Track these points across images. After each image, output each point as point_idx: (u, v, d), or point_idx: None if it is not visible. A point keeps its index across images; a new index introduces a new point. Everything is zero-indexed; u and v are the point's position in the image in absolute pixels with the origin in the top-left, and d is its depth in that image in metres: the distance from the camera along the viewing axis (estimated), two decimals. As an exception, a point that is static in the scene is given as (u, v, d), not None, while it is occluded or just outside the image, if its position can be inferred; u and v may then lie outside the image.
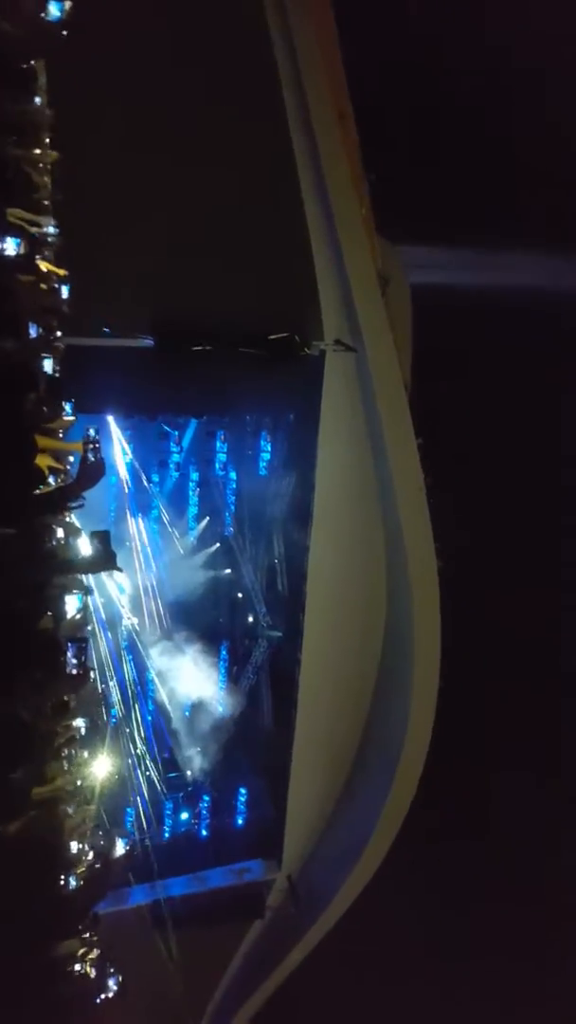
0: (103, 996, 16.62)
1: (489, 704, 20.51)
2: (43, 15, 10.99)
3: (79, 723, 17.71)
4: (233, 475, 20.78)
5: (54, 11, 10.76)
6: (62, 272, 17.14)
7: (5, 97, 12.19)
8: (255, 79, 16.62)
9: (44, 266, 16.90)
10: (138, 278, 17.82)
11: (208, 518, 21.00)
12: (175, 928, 19.60)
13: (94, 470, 13.81)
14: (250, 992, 19.47)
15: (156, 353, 18.22)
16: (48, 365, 16.85)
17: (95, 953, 17.85)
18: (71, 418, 17.10)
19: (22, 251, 13.71)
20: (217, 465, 20.74)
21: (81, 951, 17.42)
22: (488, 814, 20.64)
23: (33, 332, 15.84)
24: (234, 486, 20.81)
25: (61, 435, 16.90)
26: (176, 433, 20.78)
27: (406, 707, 19.08)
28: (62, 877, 17.32)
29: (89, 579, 19.52)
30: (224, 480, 20.84)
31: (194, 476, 20.90)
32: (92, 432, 12.40)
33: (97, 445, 12.65)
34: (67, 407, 17.05)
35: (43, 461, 15.29)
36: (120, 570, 15.30)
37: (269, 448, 20.30)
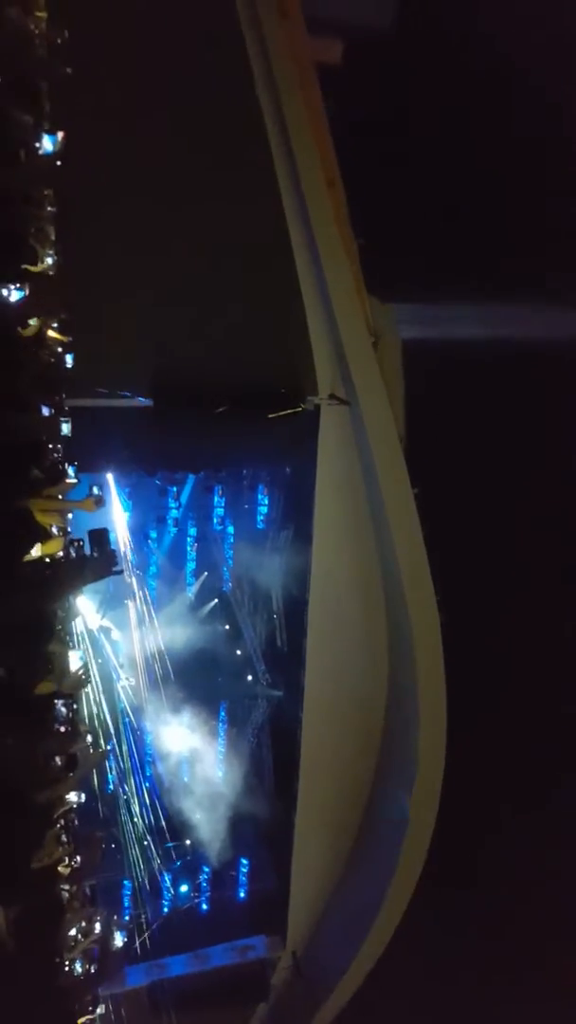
0: None
1: (495, 763, 19.84)
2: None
3: (72, 797, 17.19)
4: (231, 529, 20.78)
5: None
6: (66, 339, 17.64)
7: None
8: (247, 149, 17.45)
9: (51, 335, 17.41)
10: (135, 339, 18.28)
11: (206, 573, 20.88)
12: (175, 1010, 18.44)
13: (102, 564, 13.92)
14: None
15: (154, 412, 18.55)
16: (56, 432, 17.13)
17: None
18: (74, 480, 17.30)
19: (33, 325, 14.19)
20: (215, 520, 20.76)
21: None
22: (500, 874, 19.65)
23: (44, 411, 16.21)
24: (232, 540, 20.79)
25: (61, 497, 17.03)
26: (174, 489, 20.89)
27: (412, 770, 18.47)
28: (62, 961, 16.50)
29: (84, 638, 19.33)
30: (222, 535, 20.83)
31: (192, 531, 20.90)
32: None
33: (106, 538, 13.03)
34: (71, 470, 17.26)
35: (45, 520, 15.34)
36: (121, 572, 15.20)
37: (266, 501, 20.38)
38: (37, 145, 12.43)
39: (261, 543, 20.17)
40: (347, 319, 18.24)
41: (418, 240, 18.26)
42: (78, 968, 17.12)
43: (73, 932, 17.30)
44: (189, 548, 20.78)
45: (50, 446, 15.97)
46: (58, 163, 12.21)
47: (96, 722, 19.57)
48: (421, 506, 17.71)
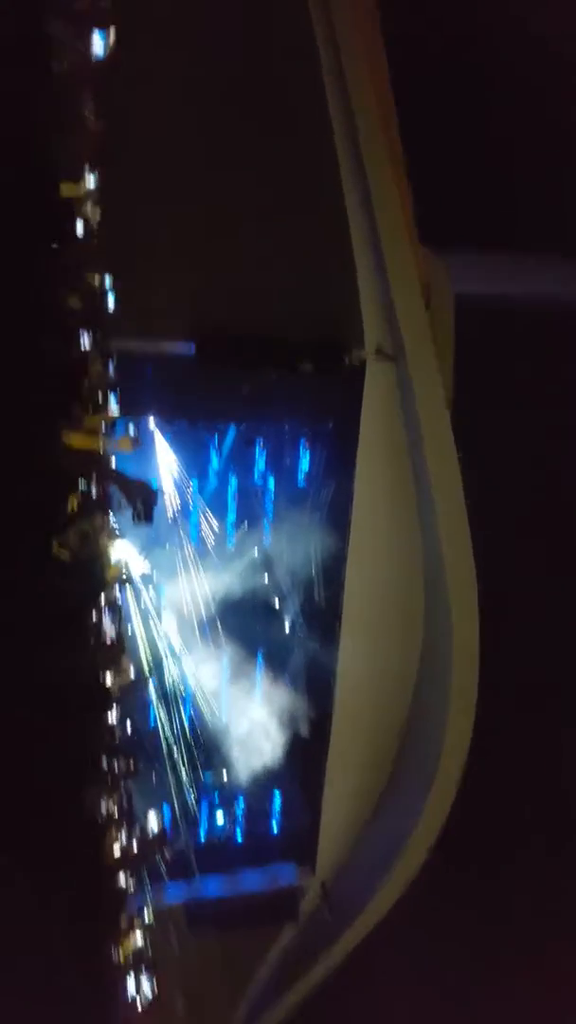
0: (138, 998, 17.18)
1: (528, 720, 20.19)
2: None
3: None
4: (272, 483, 20.74)
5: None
6: (107, 278, 17.34)
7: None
8: (301, 88, 16.38)
9: (92, 275, 17.18)
10: (179, 283, 17.85)
11: (247, 525, 21.01)
12: (208, 929, 19.99)
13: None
14: (280, 995, 19.73)
15: (196, 359, 18.31)
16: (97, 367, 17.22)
17: (135, 947, 18.45)
18: (115, 414, 17.44)
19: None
20: (256, 473, 20.72)
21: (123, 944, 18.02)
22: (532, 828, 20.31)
23: (85, 342, 16.26)
24: (272, 495, 20.78)
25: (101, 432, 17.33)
26: (216, 439, 20.82)
27: (443, 719, 18.92)
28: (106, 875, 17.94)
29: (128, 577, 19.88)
30: (262, 488, 20.82)
31: (233, 483, 20.91)
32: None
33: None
34: (112, 399, 17.41)
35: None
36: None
37: (308, 457, 20.22)
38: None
39: (301, 499, 20.14)
40: (398, 268, 17.45)
41: (477, 186, 17.11)
42: (121, 882, 18.60)
43: (116, 848, 18.73)
44: (230, 500, 20.84)
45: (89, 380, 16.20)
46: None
47: (138, 661, 20.37)
48: (465, 471, 17.41)
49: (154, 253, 17.11)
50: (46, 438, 15.42)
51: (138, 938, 17.99)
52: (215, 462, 20.87)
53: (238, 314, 17.96)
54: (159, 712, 21.20)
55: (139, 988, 17.10)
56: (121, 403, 17.34)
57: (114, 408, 17.38)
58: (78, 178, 14.56)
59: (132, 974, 17.19)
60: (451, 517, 17.33)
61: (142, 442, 18.97)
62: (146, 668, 20.57)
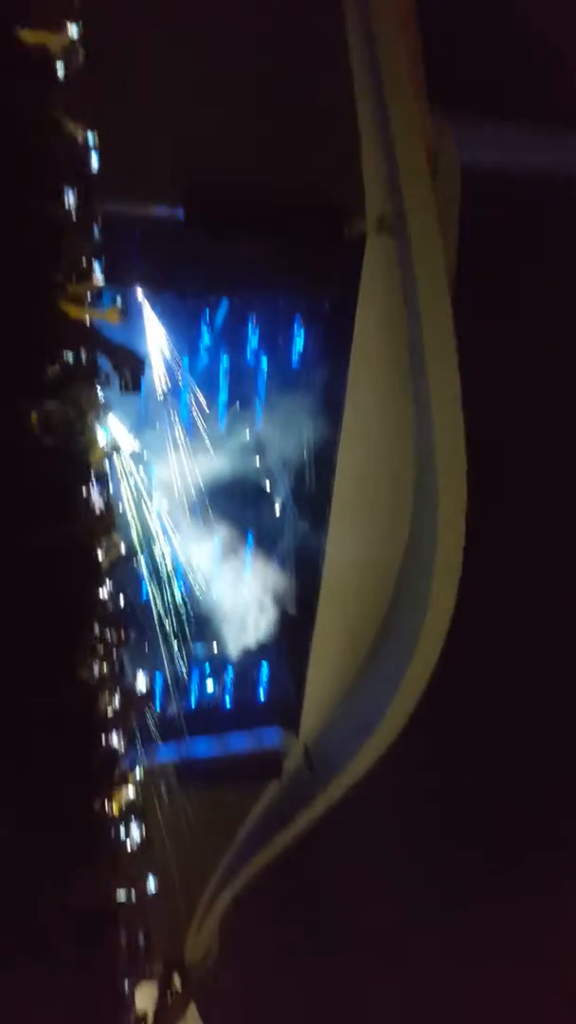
0: (129, 845, 18.55)
1: (512, 595, 20.72)
2: None
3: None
4: (264, 363, 20.27)
5: None
6: (91, 131, 16.33)
7: None
8: None
9: (74, 126, 16.17)
10: (171, 143, 16.80)
11: (238, 406, 20.71)
12: (197, 784, 21.39)
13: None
14: (262, 846, 21.38)
15: (187, 225, 17.48)
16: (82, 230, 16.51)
17: (126, 799, 19.78)
18: (100, 283, 16.90)
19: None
20: (248, 352, 20.19)
21: (114, 795, 19.30)
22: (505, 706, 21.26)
23: (69, 199, 15.53)
24: (265, 375, 20.35)
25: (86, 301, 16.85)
26: (208, 314, 20.16)
27: (426, 597, 19.51)
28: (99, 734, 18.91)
29: (118, 457, 19.85)
30: (255, 368, 20.36)
31: (225, 361, 20.41)
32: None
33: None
34: (97, 268, 16.84)
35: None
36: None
37: (302, 335, 19.65)
38: None
39: (295, 380, 19.77)
40: (402, 126, 16.35)
41: (487, 47, 15.72)
42: (114, 742, 19.69)
43: (108, 709, 19.70)
44: (221, 379, 20.40)
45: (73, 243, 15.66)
46: None
47: (130, 538, 20.65)
48: (462, 351, 17.03)
49: (144, 110, 15.98)
50: (29, 301, 14.94)
51: (130, 792, 19.24)
52: (206, 338, 20.27)
53: (231, 177, 16.96)
54: (151, 587, 21.70)
55: (129, 834, 18.42)
56: (107, 272, 16.67)
57: (99, 276, 16.73)
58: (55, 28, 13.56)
59: (123, 822, 18.45)
60: (446, 401, 17.14)
61: (130, 315, 18.45)
62: (137, 543, 20.89)
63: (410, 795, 21.13)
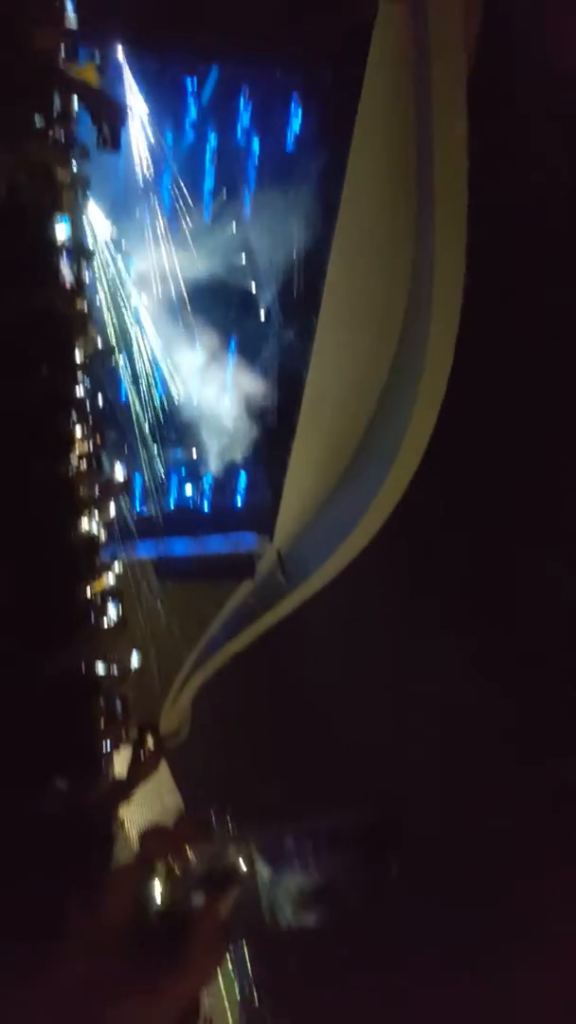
0: (106, 622, 19.61)
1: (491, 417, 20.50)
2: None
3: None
4: (256, 145, 18.26)
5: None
6: None
7: None
8: None
9: None
10: None
11: (224, 195, 18.94)
12: (174, 579, 22.41)
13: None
14: (233, 636, 22.93)
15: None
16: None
17: (106, 586, 20.68)
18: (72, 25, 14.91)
19: None
20: (239, 131, 18.09)
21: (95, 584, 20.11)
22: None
23: None
24: (256, 160, 18.40)
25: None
26: (194, 82, 17.83)
27: (408, 413, 19.33)
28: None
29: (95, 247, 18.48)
30: (246, 151, 18.36)
31: (212, 141, 18.35)
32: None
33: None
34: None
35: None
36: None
37: (299, 115, 17.56)
38: None
39: (288, 168, 17.93)
40: None
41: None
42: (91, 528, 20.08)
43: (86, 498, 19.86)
44: (208, 162, 18.43)
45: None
46: None
47: (107, 334, 19.84)
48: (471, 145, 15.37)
49: None
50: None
51: (110, 579, 20.08)
52: (192, 112, 18.04)
53: None
54: (129, 388, 21.24)
55: (107, 613, 19.45)
56: (81, 19, 14.40)
57: (71, 16, 14.43)
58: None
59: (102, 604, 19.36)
60: (450, 202, 15.72)
61: (108, 76, 16.25)
62: (113, 339, 20.10)
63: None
